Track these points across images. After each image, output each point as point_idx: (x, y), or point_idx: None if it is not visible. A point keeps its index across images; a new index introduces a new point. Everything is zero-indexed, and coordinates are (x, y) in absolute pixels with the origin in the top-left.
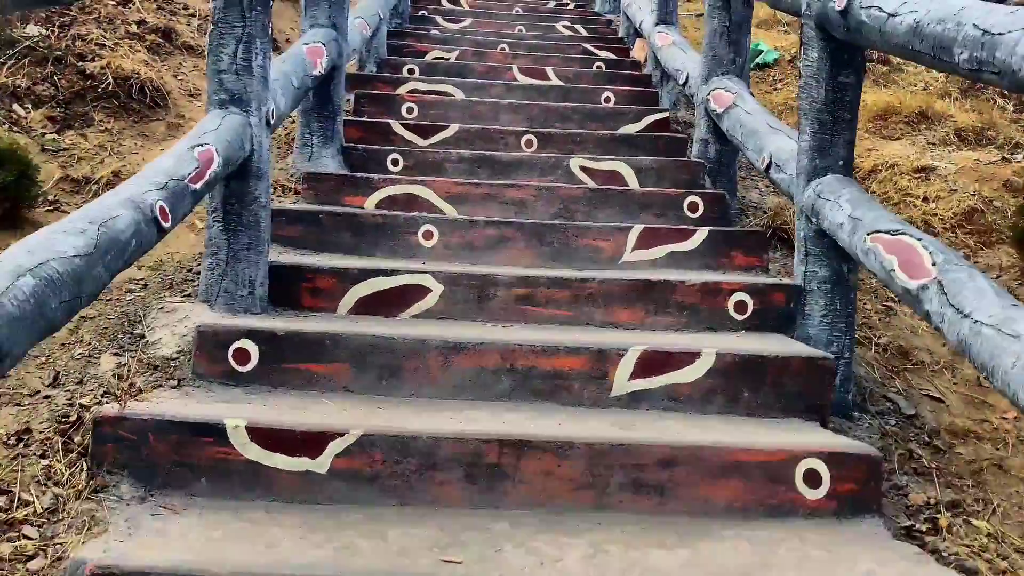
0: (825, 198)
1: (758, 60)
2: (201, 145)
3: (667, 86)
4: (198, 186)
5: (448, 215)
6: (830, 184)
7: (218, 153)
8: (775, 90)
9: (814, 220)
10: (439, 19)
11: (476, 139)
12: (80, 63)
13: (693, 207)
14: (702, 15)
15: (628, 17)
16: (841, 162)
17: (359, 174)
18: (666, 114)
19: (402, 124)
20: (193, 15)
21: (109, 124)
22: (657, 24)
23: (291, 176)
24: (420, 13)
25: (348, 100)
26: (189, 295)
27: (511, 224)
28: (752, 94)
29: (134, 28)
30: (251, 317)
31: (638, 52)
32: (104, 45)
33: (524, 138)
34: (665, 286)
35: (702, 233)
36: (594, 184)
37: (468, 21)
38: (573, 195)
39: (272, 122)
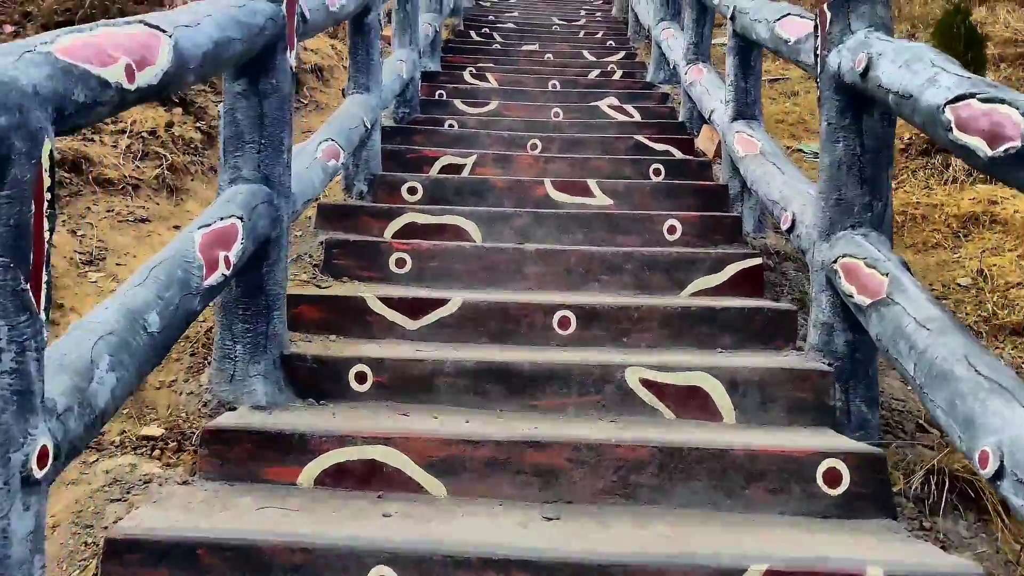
0: None
1: None
2: None
3: (749, 200)
4: None
5: (428, 496)
6: None
7: None
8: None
9: None
10: (458, 103)
11: (488, 319)
12: None
13: (832, 479)
14: (776, 79)
15: (691, 98)
16: None
17: (289, 429)
18: (758, 260)
19: (383, 299)
20: (123, 131)
21: None
22: (735, 119)
23: (204, 406)
24: (437, 94)
25: (320, 245)
26: None
27: (527, 566)
28: (910, 270)
29: None
30: None
31: (704, 142)
32: None
33: (558, 315)
34: None
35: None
36: (665, 411)
37: (493, 104)
38: (635, 459)
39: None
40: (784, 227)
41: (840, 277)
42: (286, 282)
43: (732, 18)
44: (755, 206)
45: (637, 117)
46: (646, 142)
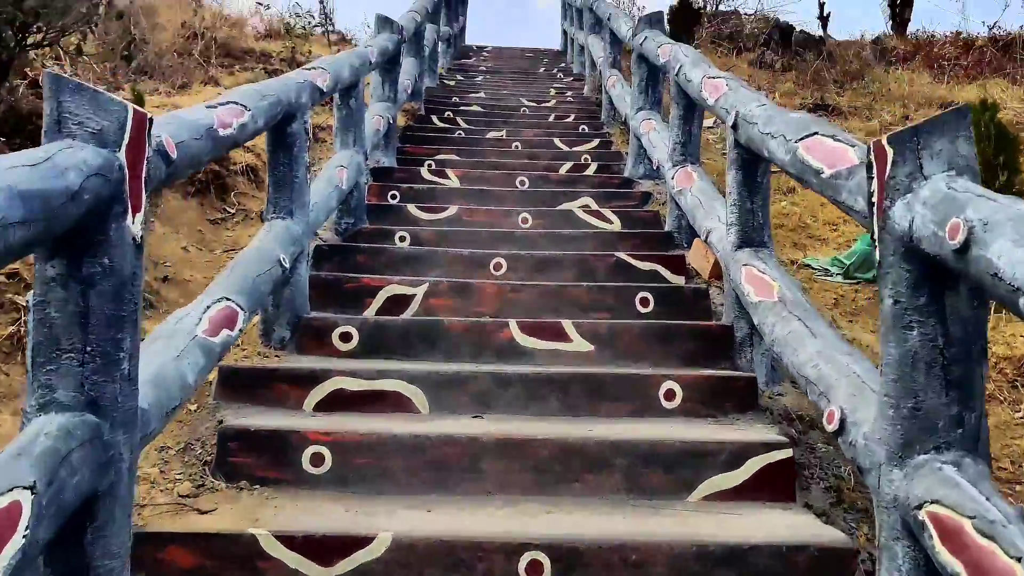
0: None
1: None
2: None
3: (761, 345)
4: None
5: None
6: None
7: None
8: None
9: None
10: (412, 209)
11: (426, 566)
12: None
13: None
14: None
15: (679, 206)
16: None
17: None
18: (788, 453)
19: (281, 538)
20: None
21: None
22: (740, 247)
23: None
24: (390, 196)
25: (216, 429)
26: None
27: None
28: None
29: None
30: None
31: (697, 259)
32: None
33: (525, 559)
34: None
35: None
36: None
37: (453, 209)
38: None
39: None
40: (828, 427)
41: (932, 537)
42: (128, 543)
43: (734, 126)
44: (767, 352)
45: (616, 224)
46: (629, 260)
